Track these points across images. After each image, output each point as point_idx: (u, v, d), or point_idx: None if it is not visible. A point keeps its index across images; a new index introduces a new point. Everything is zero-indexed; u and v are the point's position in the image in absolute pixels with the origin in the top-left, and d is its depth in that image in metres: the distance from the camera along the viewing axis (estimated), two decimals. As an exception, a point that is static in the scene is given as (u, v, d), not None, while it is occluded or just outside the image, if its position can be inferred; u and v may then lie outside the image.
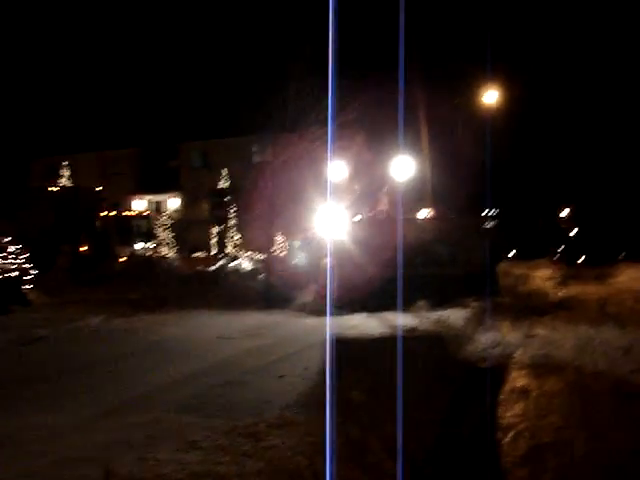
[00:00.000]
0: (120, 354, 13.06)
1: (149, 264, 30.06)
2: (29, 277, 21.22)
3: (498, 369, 13.60)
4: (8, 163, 42.28)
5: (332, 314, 15.67)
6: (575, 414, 10.21)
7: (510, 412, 10.44)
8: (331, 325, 13.58)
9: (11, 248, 21.11)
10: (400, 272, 16.96)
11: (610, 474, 7.74)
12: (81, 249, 32.85)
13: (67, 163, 48.32)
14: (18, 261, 21.03)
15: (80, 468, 6.36)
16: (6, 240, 21.20)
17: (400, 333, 14.43)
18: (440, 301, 20.42)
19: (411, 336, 14.70)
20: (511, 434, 9.27)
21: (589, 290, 28.78)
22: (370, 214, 25.34)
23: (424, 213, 25.89)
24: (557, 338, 17.23)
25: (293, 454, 6.84)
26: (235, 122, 41.12)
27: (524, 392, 11.64)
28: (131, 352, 13.32)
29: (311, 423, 7.81)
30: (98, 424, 7.96)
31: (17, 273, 20.64)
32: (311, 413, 8.20)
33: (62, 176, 47.61)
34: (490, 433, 9.35)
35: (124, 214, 37.94)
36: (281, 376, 10.50)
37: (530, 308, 22.79)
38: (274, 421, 7.83)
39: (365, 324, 16.89)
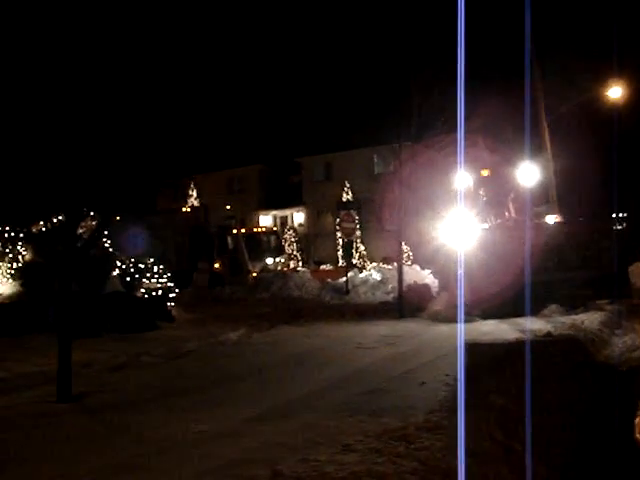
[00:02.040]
0: (264, 365, 13.75)
1: (280, 278, 30.93)
2: (172, 295, 22.39)
3: (638, 372, 13.50)
4: (139, 187, 44.21)
5: (464, 321, 15.95)
6: None
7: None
8: (465, 332, 13.85)
9: (154, 268, 22.36)
10: (530, 278, 17.06)
11: None
12: (215, 266, 34.18)
13: (194, 183, 50.02)
14: (162, 280, 22.25)
15: (247, 469, 6.95)
16: (150, 261, 22.47)
17: (534, 338, 14.57)
18: (573, 305, 20.29)
19: (546, 340, 14.78)
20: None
21: None
22: (498, 221, 25.32)
23: (551, 218, 25.67)
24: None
25: (443, 455, 7.24)
26: (356, 134, 41.80)
27: (666, 395, 11.56)
28: (275, 363, 13.99)
29: (456, 427, 8.16)
30: (256, 429, 8.57)
31: (161, 292, 21.82)
32: (455, 417, 8.54)
33: (190, 196, 49.35)
34: (633, 438, 9.41)
35: (253, 230, 39.08)
36: (422, 383, 10.88)
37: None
38: (422, 425, 8.24)
39: (498, 330, 17.03)
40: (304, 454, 7.26)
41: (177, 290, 23.34)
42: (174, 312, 22.12)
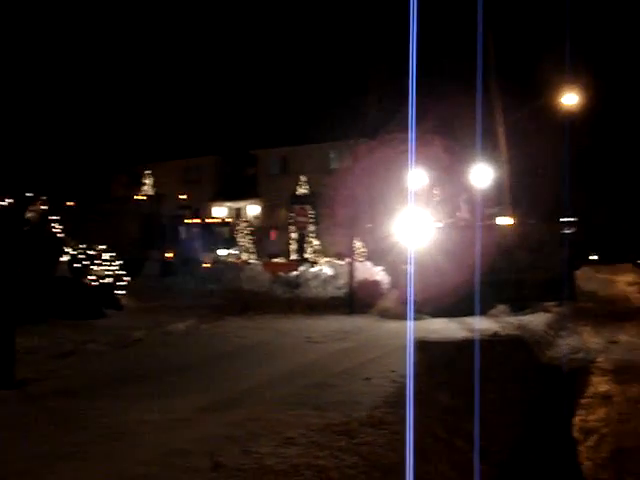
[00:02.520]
0: (212, 356, 13.70)
1: (232, 270, 30.82)
2: (121, 283, 22.17)
3: (580, 374, 13.74)
4: (95, 175, 43.75)
5: (414, 319, 16.06)
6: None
7: (592, 416, 10.63)
8: (413, 329, 13.94)
9: (105, 255, 22.11)
10: (480, 278, 17.26)
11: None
12: (167, 256, 33.93)
13: (149, 172, 49.66)
14: (111, 268, 22.01)
15: (188, 459, 6.91)
16: (100, 248, 22.21)
17: (482, 337, 14.73)
18: (521, 306, 20.60)
19: (493, 340, 14.96)
20: (593, 438, 9.48)
21: (674, 296, 28.36)
22: (450, 220, 25.55)
23: (503, 219, 25.96)
24: (641, 344, 17.21)
25: (385, 451, 7.28)
26: (313, 129, 41.86)
27: (606, 397, 11.77)
28: (222, 354, 13.94)
29: (400, 423, 8.21)
30: (199, 420, 8.52)
31: (111, 279, 21.60)
32: (399, 413, 8.59)
33: (145, 185, 48.95)
34: (571, 436, 9.58)
35: (206, 221, 38.89)
36: (368, 378, 10.91)
37: (612, 313, 22.68)
38: (365, 420, 8.27)
39: (447, 328, 17.18)
40: (246, 446, 7.23)
41: (127, 278, 23.11)
42: (123, 300, 21.91)
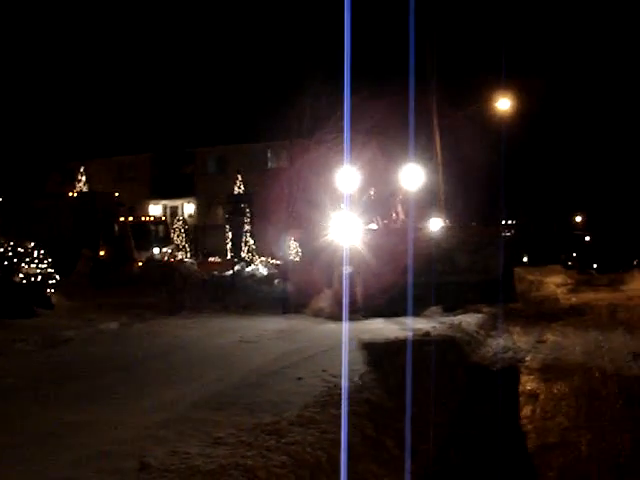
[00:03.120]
0: (144, 356, 13.56)
1: (167, 268, 30.55)
2: (52, 281, 21.75)
3: (508, 373, 14.04)
4: (27, 170, 42.94)
5: (348, 319, 16.16)
6: (581, 416, 10.62)
7: (519, 413, 10.88)
8: (347, 329, 14.04)
9: (35, 253, 21.66)
10: (415, 279, 17.49)
11: (611, 471, 8.16)
12: (100, 254, 33.43)
13: (83, 169, 48.91)
14: (42, 265, 21.58)
15: (115, 461, 6.83)
16: (30, 245, 21.76)
17: (414, 337, 14.90)
18: (454, 307, 20.91)
19: (425, 340, 15.13)
20: (519, 435, 9.70)
21: (600, 296, 29.17)
22: (385, 222, 25.76)
23: (437, 221, 26.30)
24: (567, 343, 17.67)
25: (313, 449, 7.32)
26: (251, 128, 41.72)
27: (533, 395, 12.07)
28: (154, 354, 13.80)
29: (329, 421, 8.27)
30: (128, 421, 8.43)
31: (41, 277, 21.18)
32: (329, 412, 8.65)
33: (79, 182, 48.20)
34: (498, 434, 9.77)
35: (141, 219, 38.43)
36: (299, 378, 10.94)
37: (541, 314, 23.24)
38: (294, 419, 8.30)
39: (381, 328, 17.28)
40: (174, 447, 7.19)
41: (58, 276, 22.69)
42: (54, 299, 21.51)
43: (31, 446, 7.36)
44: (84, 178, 48.12)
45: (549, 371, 14.09)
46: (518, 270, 31.03)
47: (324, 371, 11.27)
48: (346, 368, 10.55)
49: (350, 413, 8.56)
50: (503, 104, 32.86)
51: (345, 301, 16.31)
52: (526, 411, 10.99)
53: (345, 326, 14.15)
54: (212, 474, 6.32)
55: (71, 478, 6.33)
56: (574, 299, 29.15)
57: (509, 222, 32.14)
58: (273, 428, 7.89)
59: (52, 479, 6.34)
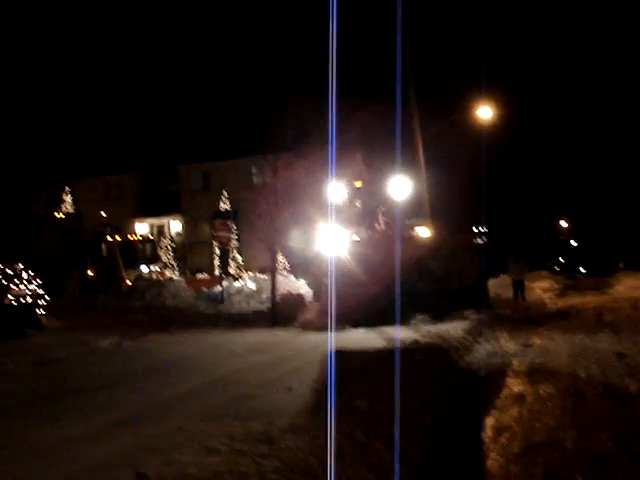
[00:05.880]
0: (135, 372, 13.70)
1: (155, 286, 30.69)
2: (42, 302, 21.89)
3: (496, 377, 14.23)
4: (12, 191, 42.98)
5: (335, 330, 16.37)
6: (567, 416, 10.82)
7: (506, 416, 11.07)
8: (335, 340, 14.24)
9: (24, 274, 21.80)
10: (399, 289, 17.69)
11: (596, 467, 8.38)
12: (88, 273, 33.56)
13: (69, 189, 49.05)
14: (31, 287, 21.71)
15: (112, 473, 7.00)
16: (19, 267, 21.89)
17: (401, 346, 15.11)
18: (438, 315, 21.11)
19: (412, 348, 15.34)
20: (506, 435, 9.89)
21: (587, 300, 29.45)
22: (369, 232, 26.00)
23: (421, 231, 26.60)
24: (553, 347, 17.90)
25: (305, 455, 7.51)
26: (235, 144, 41.98)
27: (520, 397, 12.26)
28: (146, 370, 13.94)
29: (320, 428, 8.46)
30: (123, 434, 8.59)
31: (31, 298, 21.31)
32: (320, 420, 8.84)
33: (64, 202, 48.32)
34: (486, 435, 9.97)
35: (128, 238, 38.58)
36: (290, 388, 11.12)
37: (528, 319, 23.48)
38: (286, 427, 8.49)
39: (367, 339, 17.47)
40: (168, 457, 7.37)
41: (48, 297, 22.81)
42: (44, 320, 21.64)
43: (27, 461, 7.51)
44: (70, 198, 48.26)
45: (536, 374, 14.29)
46: (504, 276, 31.33)
47: (314, 381, 11.45)
48: (333, 377, 10.73)
49: (340, 421, 8.74)
50: (485, 112, 33.21)
51: (331, 313, 16.49)
52: (513, 413, 11.19)
53: (332, 337, 14.36)
54: (207, 481, 6.51)
55: (69, 490, 6.49)
56: (561, 303, 29.42)
57: (484, 229, 32.48)
58: (265, 436, 8.08)
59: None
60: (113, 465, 7.23)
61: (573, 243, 67.28)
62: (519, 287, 29.51)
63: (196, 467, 6.91)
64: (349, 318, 19.79)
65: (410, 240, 24.75)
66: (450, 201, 34.48)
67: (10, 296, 20.96)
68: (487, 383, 13.59)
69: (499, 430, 10.16)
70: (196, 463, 7.07)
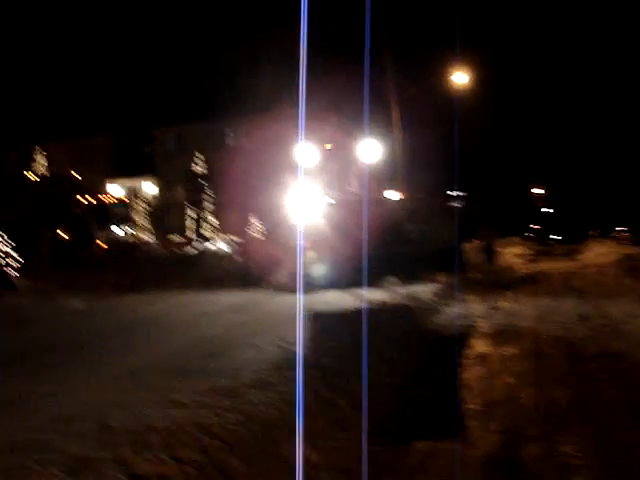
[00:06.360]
0: (107, 330, 13.85)
1: (128, 247, 30.72)
2: (14, 263, 21.88)
3: (461, 338, 14.49)
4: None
5: (306, 292, 16.52)
6: (527, 375, 11.13)
7: (468, 375, 11.34)
8: (306, 301, 14.39)
9: (-5, 235, 21.79)
10: (371, 251, 17.83)
11: (550, 421, 8.65)
12: (61, 235, 33.47)
13: (43, 151, 48.68)
14: (3, 248, 21.68)
15: (78, 425, 7.13)
16: (-10, 228, 21.86)
17: (370, 306, 15.30)
18: (410, 277, 21.32)
19: (381, 309, 15.55)
20: (468, 393, 10.16)
21: (556, 265, 29.95)
22: (341, 195, 26.11)
23: (393, 194, 26.74)
24: (519, 309, 18.25)
25: (267, 408, 7.70)
26: (208, 107, 41.79)
27: (483, 357, 12.55)
28: (117, 329, 14.10)
29: (284, 384, 8.65)
30: (90, 389, 8.74)
31: (3, 260, 21.29)
32: (284, 376, 9.03)
33: (36, 163, 47.97)
34: (449, 393, 10.22)
35: (101, 200, 38.48)
36: (257, 346, 11.31)
37: (497, 283, 23.81)
38: (250, 383, 8.67)
39: (337, 300, 17.62)
40: (134, 410, 7.50)
41: (20, 259, 22.80)
42: (16, 280, 21.65)
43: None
44: (44, 160, 47.92)
45: (500, 335, 14.59)
46: (476, 242, 31.67)
47: (281, 340, 11.61)
48: (301, 336, 10.90)
49: (305, 377, 8.92)
50: (459, 77, 33.27)
51: (301, 274, 16.61)
52: (475, 372, 11.46)
53: (301, 297, 14.50)
54: (170, 432, 6.67)
55: (34, 440, 6.60)
56: (531, 268, 29.89)
57: (460, 193, 32.65)
58: (230, 391, 8.25)
59: (16, 442, 6.58)
60: (78, 417, 7.36)
61: (546, 210, 67.91)
62: (489, 252, 29.85)
63: (161, 420, 7.07)
64: (320, 280, 19.96)
65: (383, 203, 24.88)
66: (425, 165, 34.59)
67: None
68: (452, 344, 13.84)
69: (461, 388, 10.42)
70: (161, 416, 7.22)
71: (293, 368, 9.14)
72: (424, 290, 19.54)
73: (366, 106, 21.12)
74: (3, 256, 21.54)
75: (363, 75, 22.06)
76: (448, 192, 30.84)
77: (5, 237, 22.24)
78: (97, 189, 47.03)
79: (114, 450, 6.16)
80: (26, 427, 7.06)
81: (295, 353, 10.15)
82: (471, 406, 9.40)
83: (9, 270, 21.55)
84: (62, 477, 5.51)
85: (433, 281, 21.30)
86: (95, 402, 8.00)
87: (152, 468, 5.89)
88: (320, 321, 13.40)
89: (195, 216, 38.80)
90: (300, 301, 13.97)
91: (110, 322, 15.19)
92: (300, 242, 19.17)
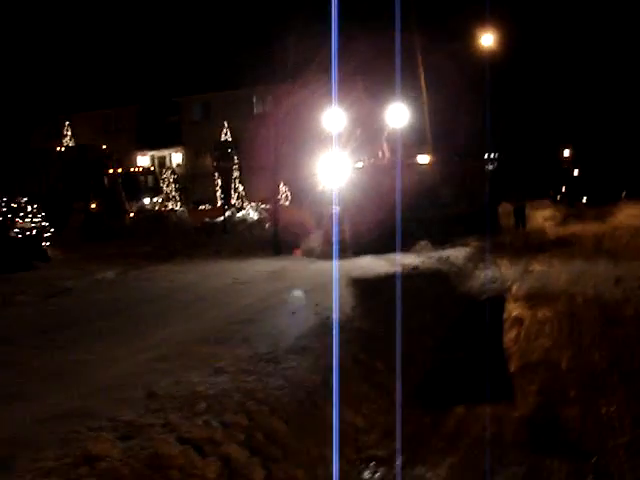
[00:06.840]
0: (142, 300, 13.95)
1: (158, 218, 30.93)
2: (47, 234, 22.14)
3: (495, 301, 14.56)
4: (11, 125, 42.88)
5: (339, 257, 16.59)
6: (562, 338, 11.16)
7: (505, 338, 11.41)
8: (338, 267, 14.46)
9: (28, 208, 22.00)
10: (403, 215, 17.84)
11: (587, 383, 8.70)
12: (92, 206, 33.77)
13: (69, 123, 48.91)
14: (36, 220, 21.93)
15: (124, 392, 7.27)
16: (23, 200, 22.08)
17: (403, 271, 15.36)
18: (443, 241, 21.27)
19: (414, 273, 15.61)
20: (503, 356, 10.23)
21: (588, 228, 29.70)
22: (372, 160, 26.03)
23: (424, 158, 26.57)
24: (552, 272, 18.21)
25: (309, 373, 7.81)
26: (235, 74, 41.61)
27: (518, 320, 12.61)
28: (152, 298, 14.20)
29: (322, 349, 8.75)
30: (134, 358, 8.85)
31: (36, 231, 21.55)
32: (323, 341, 9.12)
33: (65, 136, 48.24)
34: (486, 356, 10.28)
35: (130, 170, 38.67)
36: (293, 312, 11.40)
37: (529, 246, 23.73)
38: (290, 348, 8.77)
39: (371, 265, 17.64)
40: (178, 377, 7.63)
41: (52, 230, 23.07)
42: (50, 252, 21.90)
43: (44, 383, 7.77)
44: (71, 132, 48.15)
45: (534, 298, 14.62)
46: (506, 205, 31.49)
47: (317, 305, 11.68)
48: (337, 302, 10.99)
49: (343, 341, 9.02)
50: (487, 39, 32.93)
51: (334, 240, 16.68)
52: (511, 335, 11.52)
53: (335, 264, 14.58)
54: (214, 397, 6.80)
55: (84, 408, 6.76)
56: (561, 231, 29.68)
57: (493, 156, 32.38)
58: (270, 357, 8.36)
59: (67, 410, 6.73)
60: (125, 385, 7.50)
61: (575, 172, 67.22)
62: (520, 215, 29.70)
63: (204, 385, 7.19)
64: (353, 245, 19.97)
65: (415, 167, 24.77)
66: (457, 129, 34.39)
67: (16, 229, 21.19)
68: (487, 307, 13.90)
69: (497, 351, 10.49)
70: (204, 382, 7.35)
71: (331, 334, 9.25)
72: (457, 254, 19.52)
73: (397, 69, 20.97)
74: (36, 228, 21.78)
75: (391, 40, 21.94)
76: (482, 155, 30.62)
77: (38, 209, 22.48)
78: (125, 160, 47.34)
79: (163, 416, 6.30)
80: (74, 395, 7.21)
81: (332, 319, 10.27)
82: (509, 369, 9.48)
83: (42, 242, 21.79)
84: (116, 443, 5.64)
85: (466, 245, 21.23)
86: (139, 370, 8.13)
87: (201, 433, 6.02)
88: (355, 287, 13.49)
89: (224, 185, 38.84)
90: (335, 267, 14.09)
91: (144, 292, 15.30)
92: (333, 208, 19.19)
